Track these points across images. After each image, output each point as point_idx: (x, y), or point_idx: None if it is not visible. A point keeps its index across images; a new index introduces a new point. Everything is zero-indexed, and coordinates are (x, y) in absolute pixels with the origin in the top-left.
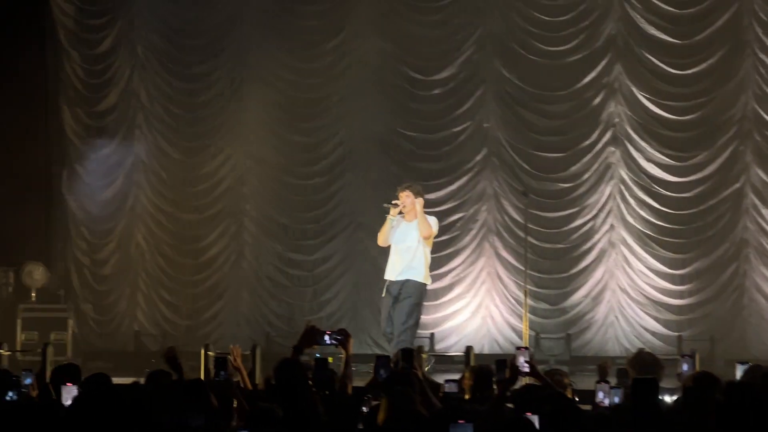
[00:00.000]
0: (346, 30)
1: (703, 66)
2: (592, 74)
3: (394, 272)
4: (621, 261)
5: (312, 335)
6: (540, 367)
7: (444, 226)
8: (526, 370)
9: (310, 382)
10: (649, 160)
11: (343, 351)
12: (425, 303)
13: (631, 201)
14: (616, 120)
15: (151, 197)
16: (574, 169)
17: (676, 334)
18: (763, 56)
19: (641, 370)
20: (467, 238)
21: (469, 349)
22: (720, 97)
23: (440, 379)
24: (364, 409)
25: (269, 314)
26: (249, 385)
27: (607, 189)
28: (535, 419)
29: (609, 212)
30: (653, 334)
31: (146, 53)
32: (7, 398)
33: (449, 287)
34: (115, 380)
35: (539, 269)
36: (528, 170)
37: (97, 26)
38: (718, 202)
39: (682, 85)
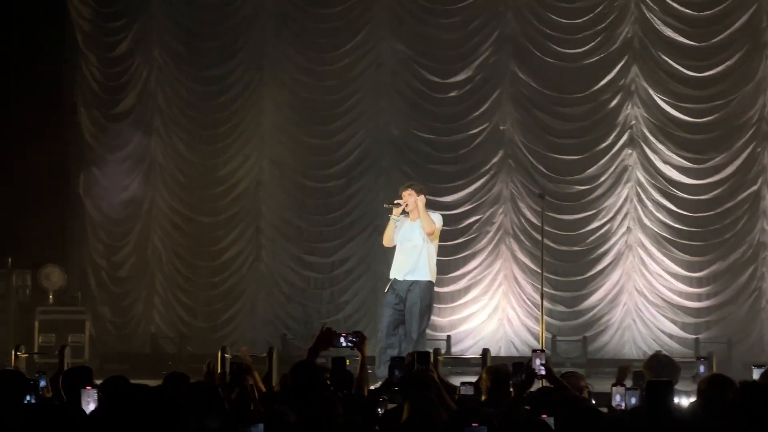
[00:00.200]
0: (363, 32)
1: (721, 68)
2: (609, 76)
3: (400, 272)
4: (638, 263)
5: (327, 337)
6: (556, 370)
7: (460, 228)
8: (542, 372)
9: (328, 382)
10: (666, 162)
11: (358, 353)
12: (436, 304)
13: (648, 203)
14: (633, 122)
15: (168, 200)
16: (590, 171)
17: (694, 336)
18: None
19: (657, 373)
20: (484, 241)
21: (485, 351)
22: (737, 99)
23: (456, 381)
24: (380, 410)
25: (286, 317)
26: (263, 387)
27: (623, 191)
28: (551, 421)
29: (626, 215)
30: (670, 336)
31: (163, 56)
32: (26, 401)
33: (466, 290)
34: (133, 383)
35: (556, 272)
36: (544, 173)
37: (114, 29)
38: (736, 205)
39: (699, 87)
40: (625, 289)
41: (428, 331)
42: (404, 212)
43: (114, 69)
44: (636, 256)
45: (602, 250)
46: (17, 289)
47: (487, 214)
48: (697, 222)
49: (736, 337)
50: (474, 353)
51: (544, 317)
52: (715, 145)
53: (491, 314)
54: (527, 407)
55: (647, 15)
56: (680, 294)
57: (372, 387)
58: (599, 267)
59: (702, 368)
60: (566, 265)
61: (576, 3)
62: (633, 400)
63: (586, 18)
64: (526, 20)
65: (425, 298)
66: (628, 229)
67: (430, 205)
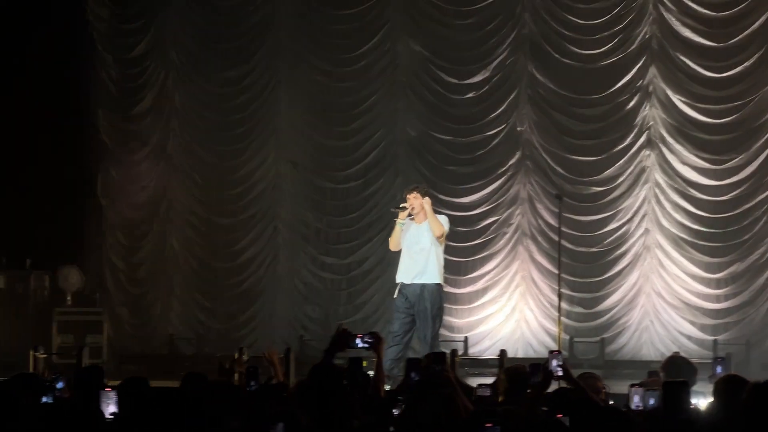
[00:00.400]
0: (380, 34)
1: (739, 69)
2: (627, 77)
3: (408, 276)
4: (656, 265)
5: (343, 339)
6: (573, 371)
7: (478, 229)
8: (560, 373)
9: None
10: (684, 163)
11: (375, 354)
12: (453, 306)
13: (666, 204)
14: (651, 123)
15: (186, 201)
16: (608, 172)
17: (712, 338)
18: None
19: (673, 374)
20: (501, 242)
21: (503, 352)
22: (756, 100)
23: (473, 382)
24: (395, 411)
25: (303, 318)
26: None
27: (641, 192)
28: (566, 421)
29: (644, 216)
30: (688, 338)
31: (180, 57)
32: (42, 402)
33: (483, 291)
34: (151, 384)
35: (573, 273)
36: (562, 174)
37: (131, 30)
38: (754, 206)
39: (717, 88)
40: (643, 291)
41: (445, 333)
42: (409, 215)
43: (131, 70)
44: (654, 257)
45: (620, 251)
46: (35, 291)
47: (505, 215)
48: (716, 223)
49: (755, 338)
50: (491, 354)
51: (562, 318)
52: (734, 146)
53: (509, 315)
54: (545, 408)
55: (665, 16)
56: (698, 295)
57: (387, 387)
58: (617, 268)
59: (719, 369)
60: (584, 266)
61: (594, 4)
62: (651, 401)
63: (604, 19)
64: (544, 21)
65: (435, 302)
66: (646, 230)
67: (448, 206)
